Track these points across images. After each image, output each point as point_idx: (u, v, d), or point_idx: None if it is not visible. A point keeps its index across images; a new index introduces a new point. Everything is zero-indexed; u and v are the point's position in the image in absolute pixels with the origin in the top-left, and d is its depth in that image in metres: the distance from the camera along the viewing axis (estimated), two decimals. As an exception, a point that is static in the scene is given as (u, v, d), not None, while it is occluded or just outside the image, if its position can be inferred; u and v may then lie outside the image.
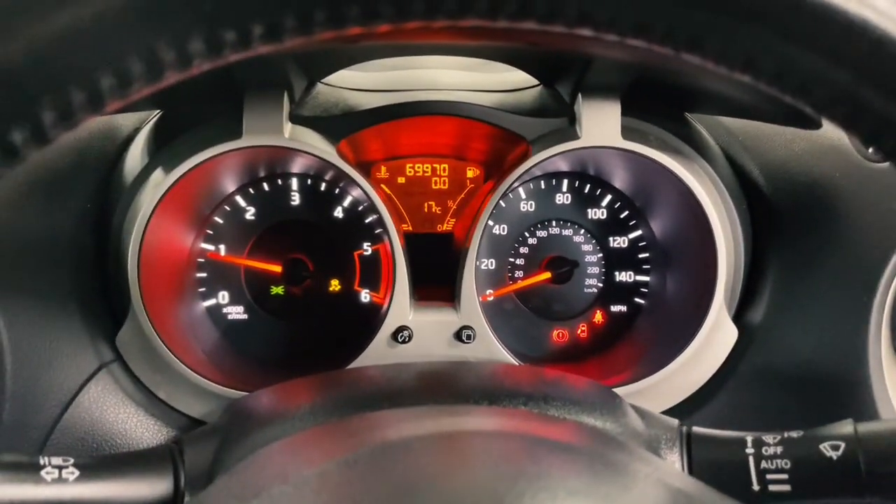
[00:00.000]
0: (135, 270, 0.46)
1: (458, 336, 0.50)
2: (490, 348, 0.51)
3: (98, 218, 0.49)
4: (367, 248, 0.58)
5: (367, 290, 0.57)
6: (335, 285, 0.58)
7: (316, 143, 0.49)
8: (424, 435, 0.27)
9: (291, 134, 0.48)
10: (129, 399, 0.47)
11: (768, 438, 0.36)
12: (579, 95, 0.49)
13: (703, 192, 0.49)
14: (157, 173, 0.48)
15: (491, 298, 0.57)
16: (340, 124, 0.50)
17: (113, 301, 0.49)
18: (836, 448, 0.35)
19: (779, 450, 0.35)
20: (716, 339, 0.49)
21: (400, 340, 0.50)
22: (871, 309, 0.44)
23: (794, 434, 0.35)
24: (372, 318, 0.56)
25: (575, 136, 0.49)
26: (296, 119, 0.49)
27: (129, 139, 0.52)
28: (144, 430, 0.45)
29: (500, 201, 0.56)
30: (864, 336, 0.44)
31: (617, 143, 0.48)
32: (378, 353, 0.50)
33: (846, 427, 0.35)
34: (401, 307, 0.50)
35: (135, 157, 0.51)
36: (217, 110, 0.50)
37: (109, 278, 0.49)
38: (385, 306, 0.54)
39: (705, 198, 0.49)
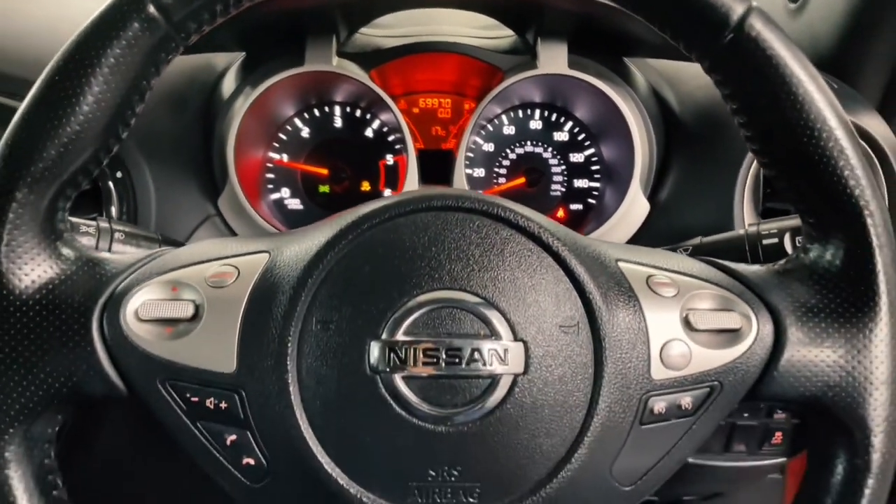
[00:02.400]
0: (232, 156, 0.68)
1: None
2: None
3: (205, 121, 0.71)
4: (390, 159, 0.77)
5: (390, 190, 0.78)
6: (366, 186, 0.77)
7: (354, 71, 0.70)
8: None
9: (338, 64, 0.70)
10: None
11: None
12: (539, 39, 0.69)
13: (626, 110, 0.68)
14: (245, 92, 0.70)
15: None
16: (371, 57, 0.71)
17: (215, 177, 0.71)
18: None
19: None
20: (633, 211, 0.69)
21: None
22: (736, 183, 0.64)
23: None
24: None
25: (534, 67, 0.69)
26: (341, 55, 0.71)
27: (224, 72, 0.73)
28: None
29: (488, 125, 0.76)
30: (731, 203, 0.64)
31: (564, 72, 0.68)
32: None
33: None
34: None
35: (229, 83, 0.72)
36: (285, 52, 0.71)
37: (213, 163, 0.71)
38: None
39: (628, 113, 0.68)
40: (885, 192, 0.65)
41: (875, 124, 0.67)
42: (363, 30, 0.75)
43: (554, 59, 0.68)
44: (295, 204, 0.77)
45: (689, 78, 0.72)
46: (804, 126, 0.38)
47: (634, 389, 0.38)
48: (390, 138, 0.76)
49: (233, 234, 0.69)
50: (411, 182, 0.71)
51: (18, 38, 0.67)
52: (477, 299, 0.37)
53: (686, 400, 0.39)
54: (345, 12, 0.69)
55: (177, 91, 0.70)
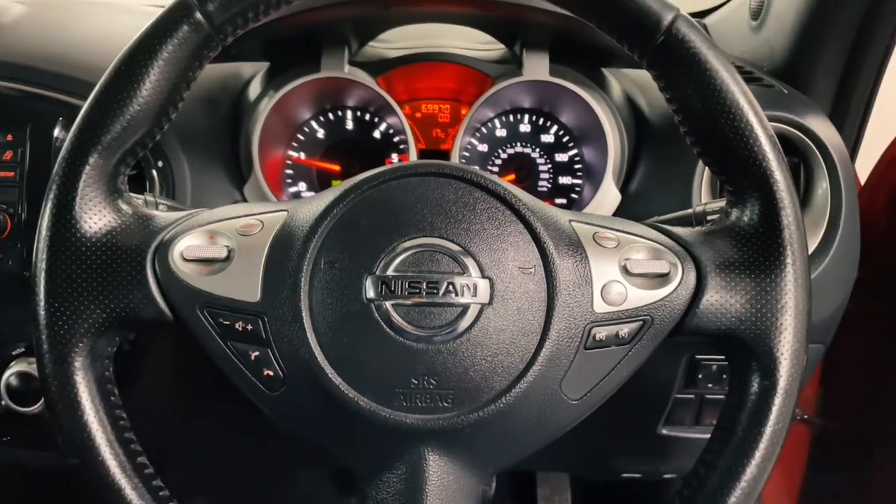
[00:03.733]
0: (256, 150, 0.78)
1: None
2: None
3: (234, 121, 0.81)
4: (395, 158, 0.87)
5: (394, 184, 0.88)
6: (372, 181, 0.88)
7: (363, 77, 0.80)
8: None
9: (349, 71, 0.80)
10: None
11: None
12: (524, 50, 0.79)
13: (601, 112, 0.78)
14: (269, 95, 0.80)
15: None
16: (378, 65, 0.81)
17: (242, 169, 0.81)
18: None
19: None
20: (605, 201, 0.78)
21: None
22: (695, 174, 0.73)
23: None
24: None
25: (520, 74, 0.79)
26: (352, 63, 0.81)
27: (250, 79, 0.84)
28: None
29: (482, 128, 0.86)
30: (690, 192, 0.73)
31: (545, 78, 0.78)
32: None
33: None
34: None
35: (254, 88, 0.82)
36: (303, 61, 0.82)
37: (240, 157, 0.81)
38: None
39: (602, 116, 0.77)
40: (830, 190, 0.74)
41: (823, 128, 0.75)
42: (371, 43, 0.86)
43: (537, 67, 0.78)
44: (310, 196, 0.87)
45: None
46: (721, 110, 0.47)
47: (579, 320, 0.46)
48: (395, 139, 0.86)
49: None
50: None
51: (77, 46, 0.78)
52: (453, 245, 0.46)
53: (624, 330, 0.47)
54: (355, 27, 0.80)
55: (211, 94, 0.80)
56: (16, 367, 0.67)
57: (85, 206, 0.47)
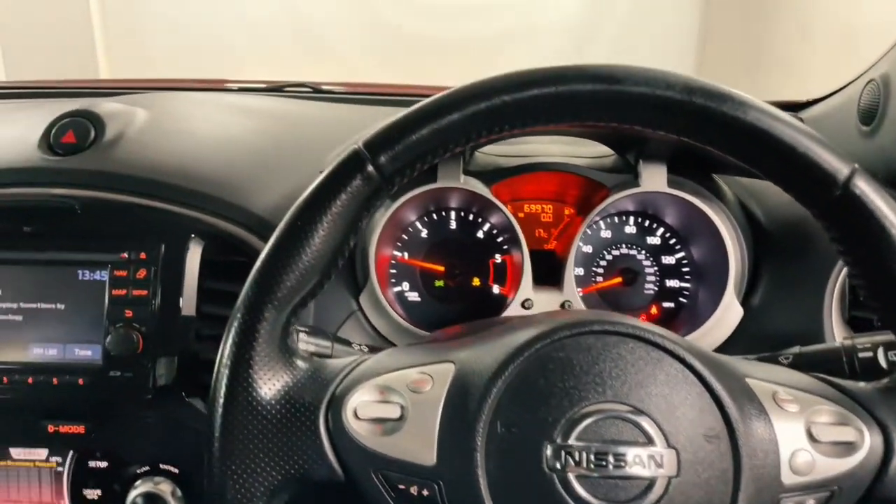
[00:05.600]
0: (373, 259, 0.78)
1: (561, 307, 0.79)
2: None
3: None
4: (498, 258, 0.87)
5: (498, 286, 0.87)
6: (476, 281, 0.87)
7: (478, 187, 0.80)
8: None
9: (464, 181, 0.80)
10: (366, 334, 0.78)
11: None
12: (640, 160, 0.79)
13: (720, 224, 0.77)
14: (386, 204, 0.80)
15: (580, 295, 0.86)
16: (492, 174, 0.82)
17: (357, 278, 0.81)
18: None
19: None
20: (728, 316, 0.76)
21: (526, 307, 0.79)
22: (825, 293, 0.71)
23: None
24: (500, 302, 0.85)
25: (637, 185, 0.79)
26: (466, 172, 0.81)
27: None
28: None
29: (587, 230, 0.85)
30: (821, 310, 0.71)
31: (665, 190, 0.78)
32: (512, 312, 0.79)
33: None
34: (526, 288, 0.80)
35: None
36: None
37: (355, 265, 0.81)
38: (510, 296, 0.83)
39: (722, 228, 0.77)
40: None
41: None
42: (482, 150, 0.86)
43: (655, 178, 0.78)
44: (413, 297, 0.86)
45: (773, 194, 0.80)
46: None
47: (767, 493, 0.45)
48: (499, 239, 0.86)
49: (372, 328, 0.78)
50: (526, 280, 0.79)
51: (203, 157, 0.79)
52: (635, 411, 0.45)
53: (811, 502, 0.45)
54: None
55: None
56: (142, 488, 0.67)
57: (260, 364, 0.47)
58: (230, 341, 0.47)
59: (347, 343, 0.64)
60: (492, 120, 0.48)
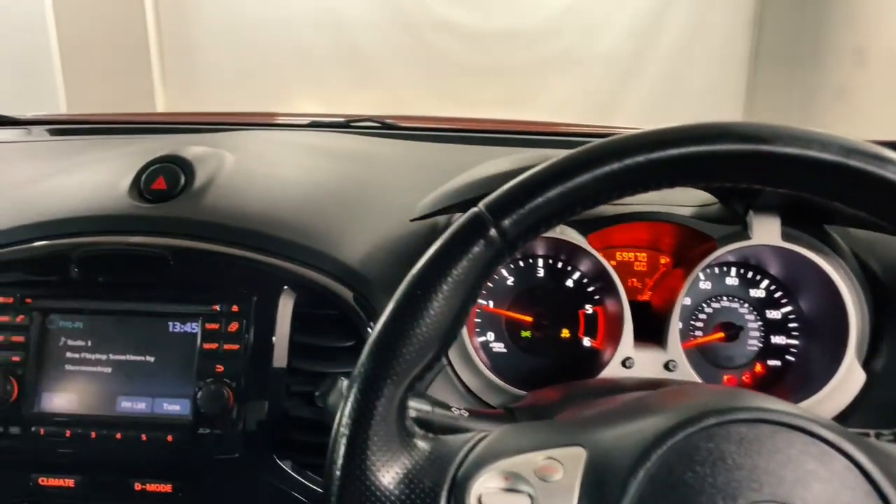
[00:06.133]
0: None
1: (665, 366, 0.74)
2: (689, 377, 0.74)
3: None
4: (589, 308, 0.83)
5: (589, 338, 0.82)
6: (566, 333, 0.83)
7: (576, 238, 0.76)
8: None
9: (561, 231, 0.76)
10: (455, 390, 0.74)
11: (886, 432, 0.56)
12: (751, 211, 0.74)
13: (839, 281, 0.72)
14: None
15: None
16: (590, 224, 0.78)
17: None
18: None
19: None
20: (849, 380, 0.70)
21: (627, 366, 0.74)
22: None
23: None
24: (592, 357, 0.80)
25: (748, 238, 0.74)
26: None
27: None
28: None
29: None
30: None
31: (779, 244, 0.73)
32: (611, 373, 0.74)
33: None
34: (627, 345, 0.75)
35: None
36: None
37: None
38: (604, 350, 0.78)
39: (842, 285, 0.71)
40: None
41: None
42: None
43: (768, 231, 0.73)
44: (499, 347, 0.82)
45: (889, 245, 0.74)
46: None
47: None
48: (590, 288, 0.82)
49: (461, 382, 0.75)
50: (627, 336, 0.75)
51: (290, 205, 0.76)
52: None
53: None
54: None
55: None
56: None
57: (378, 445, 0.43)
58: (346, 420, 0.43)
59: (447, 407, 0.60)
60: (626, 181, 0.44)
